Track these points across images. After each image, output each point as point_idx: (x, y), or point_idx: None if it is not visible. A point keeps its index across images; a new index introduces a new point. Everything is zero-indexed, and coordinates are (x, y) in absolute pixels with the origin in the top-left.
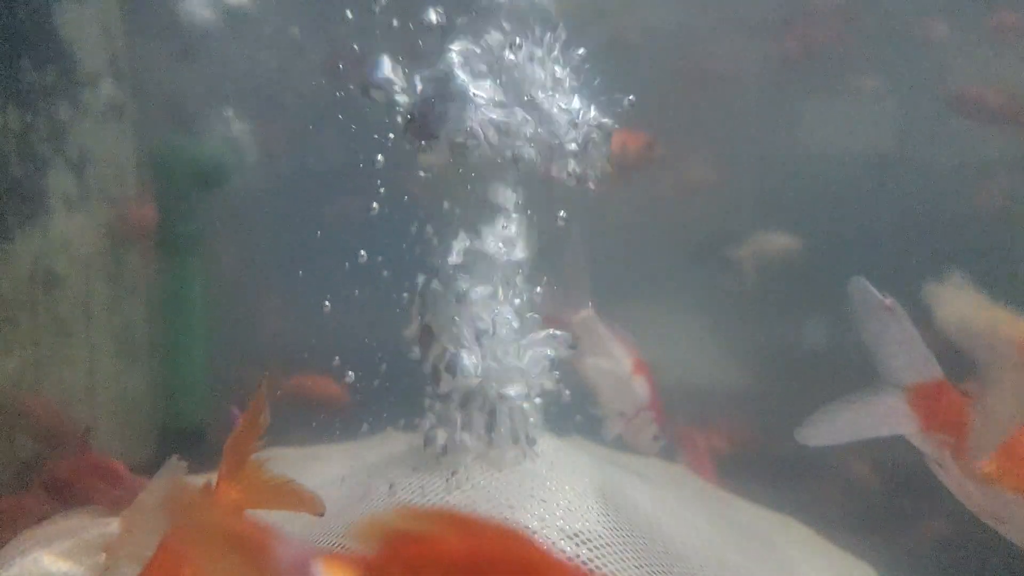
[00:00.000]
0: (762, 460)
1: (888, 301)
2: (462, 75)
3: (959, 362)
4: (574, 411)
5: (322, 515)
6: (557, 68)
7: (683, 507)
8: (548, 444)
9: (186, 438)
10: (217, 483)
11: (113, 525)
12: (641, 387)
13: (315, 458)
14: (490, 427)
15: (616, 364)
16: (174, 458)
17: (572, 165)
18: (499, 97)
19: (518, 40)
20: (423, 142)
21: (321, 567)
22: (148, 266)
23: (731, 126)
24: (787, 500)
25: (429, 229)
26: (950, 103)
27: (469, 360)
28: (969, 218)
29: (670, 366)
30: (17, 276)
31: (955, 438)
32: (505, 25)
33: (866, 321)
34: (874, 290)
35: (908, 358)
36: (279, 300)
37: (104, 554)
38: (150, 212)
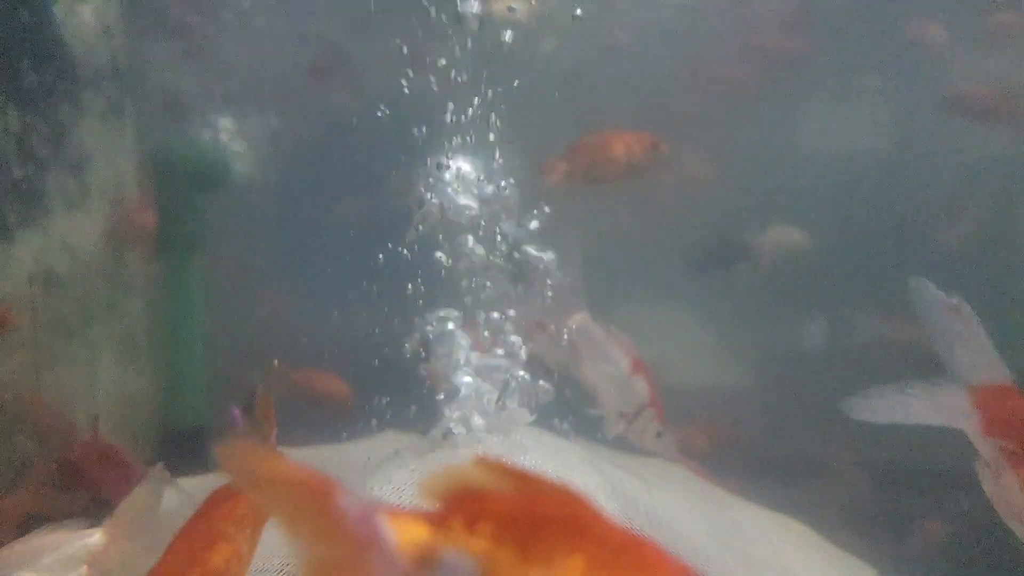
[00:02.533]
0: (762, 460)
1: (954, 301)
2: None
3: None
4: (576, 412)
5: None
6: None
7: (683, 508)
8: (549, 445)
9: (186, 438)
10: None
11: (95, 536)
12: (641, 386)
13: (317, 460)
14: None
15: (615, 366)
16: (158, 467)
17: None
18: None
19: None
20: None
21: (386, 520)
22: (148, 266)
23: (728, 125)
24: (787, 500)
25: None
26: (945, 103)
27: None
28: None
29: (661, 364)
30: (17, 276)
31: (1018, 445)
32: None
33: (929, 319)
34: (937, 290)
35: (973, 358)
36: (279, 300)
37: (86, 567)
38: (150, 212)
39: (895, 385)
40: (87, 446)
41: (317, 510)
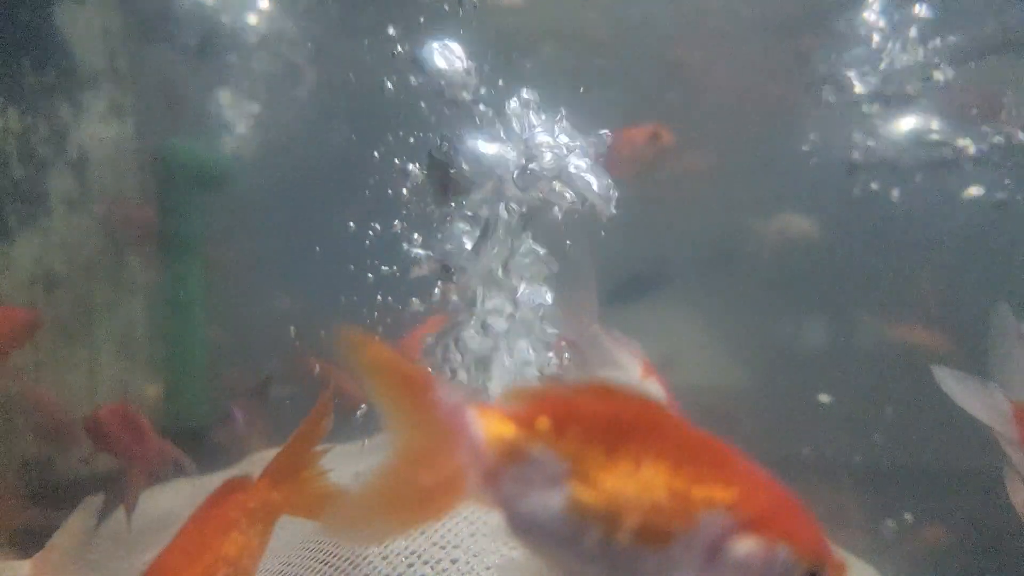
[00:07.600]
0: (762, 460)
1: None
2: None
3: None
4: None
5: None
6: None
7: None
8: None
9: (186, 438)
10: (260, 478)
11: (24, 569)
12: (655, 389)
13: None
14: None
15: (625, 372)
16: (88, 498)
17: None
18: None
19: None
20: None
21: (475, 414)
22: (148, 267)
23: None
24: None
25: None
26: (936, 107)
27: None
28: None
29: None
30: (18, 277)
31: None
32: None
33: (997, 339)
34: (1014, 318)
35: (1020, 379)
36: (280, 301)
37: None
38: (150, 213)
39: (969, 375)
40: (114, 410)
41: (413, 397)
